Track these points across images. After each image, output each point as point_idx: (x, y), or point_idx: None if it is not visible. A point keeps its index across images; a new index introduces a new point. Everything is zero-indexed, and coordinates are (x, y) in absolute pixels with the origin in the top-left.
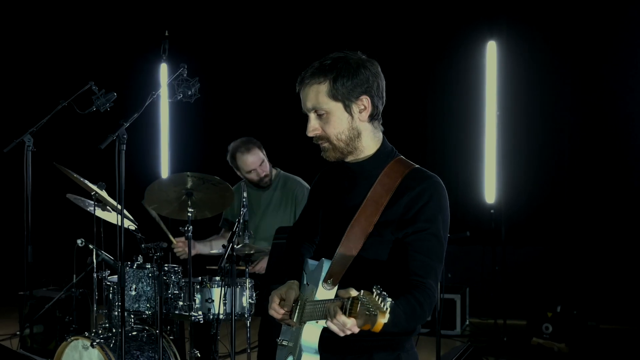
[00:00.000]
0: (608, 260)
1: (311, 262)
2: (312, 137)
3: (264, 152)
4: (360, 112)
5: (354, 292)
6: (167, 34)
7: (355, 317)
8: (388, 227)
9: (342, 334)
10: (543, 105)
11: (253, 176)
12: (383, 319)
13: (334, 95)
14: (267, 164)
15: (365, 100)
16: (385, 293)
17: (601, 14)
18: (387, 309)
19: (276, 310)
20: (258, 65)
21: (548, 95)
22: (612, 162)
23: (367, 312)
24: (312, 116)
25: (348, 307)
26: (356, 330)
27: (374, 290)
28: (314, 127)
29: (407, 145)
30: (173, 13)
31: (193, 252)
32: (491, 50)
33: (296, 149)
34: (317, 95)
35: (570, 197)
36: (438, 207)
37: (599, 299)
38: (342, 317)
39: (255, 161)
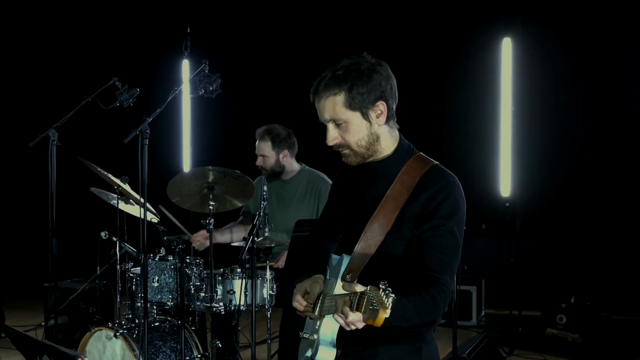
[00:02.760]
0: (621, 253)
1: (334, 257)
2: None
3: (280, 151)
4: (377, 117)
5: (359, 288)
6: (188, 30)
7: (361, 312)
8: (406, 223)
9: (347, 328)
10: (557, 101)
11: (258, 161)
12: (384, 314)
13: (351, 105)
14: (271, 160)
15: (382, 106)
16: (390, 289)
17: (616, 11)
18: (389, 305)
19: (299, 303)
20: (278, 61)
21: (562, 90)
22: (625, 157)
23: (370, 307)
24: (331, 126)
25: (355, 302)
26: (361, 325)
27: (380, 285)
28: (333, 136)
29: (424, 140)
30: (195, 10)
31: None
32: (506, 47)
33: (317, 144)
34: (334, 106)
35: (584, 191)
36: (453, 206)
37: (612, 291)
38: (347, 311)
39: (260, 149)
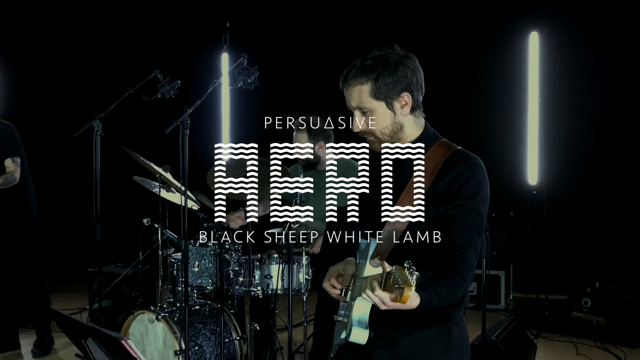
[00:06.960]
0: None
1: (363, 241)
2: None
3: (316, 142)
4: (402, 107)
5: (388, 267)
6: (228, 25)
7: (389, 292)
8: (431, 205)
9: (378, 306)
10: (583, 92)
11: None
12: (409, 292)
13: (376, 95)
14: (308, 151)
15: (407, 97)
16: (414, 267)
17: None
18: (413, 282)
19: (333, 285)
20: (314, 54)
21: (588, 82)
22: None
23: (396, 286)
24: (357, 114)
25: (383, 282)
26: (390, 304)
27: (405, 264)
28: (359, 124)
29: (454, 129)
30: (234, 5)
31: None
32: (534, 40)
33: (351, 134)
34: (360, 95)
35: (608, 179)
36: (478, 185)
37: (636, 275)
38: (375, 285)
39: (297, 140)
